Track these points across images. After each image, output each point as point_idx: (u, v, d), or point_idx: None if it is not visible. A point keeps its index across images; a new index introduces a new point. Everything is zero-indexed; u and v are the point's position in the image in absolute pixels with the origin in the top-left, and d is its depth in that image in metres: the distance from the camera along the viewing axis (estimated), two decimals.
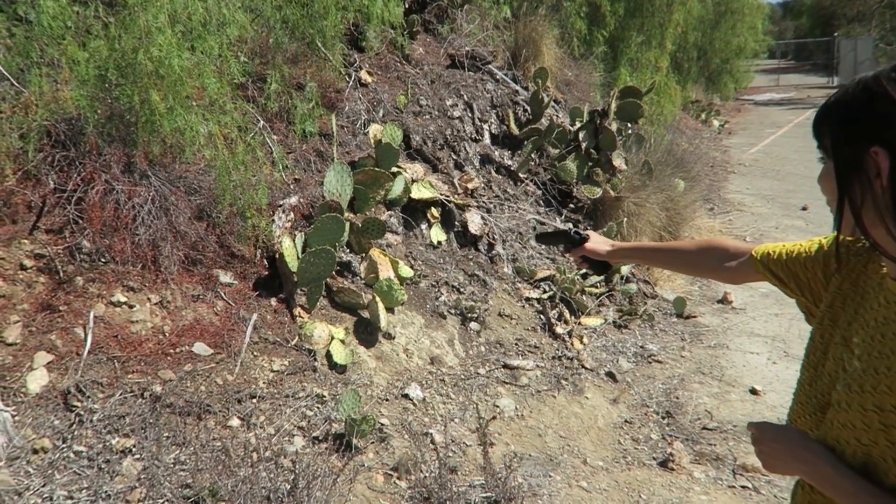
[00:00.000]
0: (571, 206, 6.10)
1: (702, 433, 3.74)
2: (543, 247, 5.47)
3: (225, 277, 3.43)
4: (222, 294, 3.35)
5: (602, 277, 5.27)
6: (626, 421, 3.85)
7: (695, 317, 5.52)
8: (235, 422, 2.82)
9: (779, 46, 32.25)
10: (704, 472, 3.34)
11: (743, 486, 3.21)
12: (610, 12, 8.79)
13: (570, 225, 5.66)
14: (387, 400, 3.31)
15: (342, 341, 3.47)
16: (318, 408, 3.05)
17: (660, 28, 9.97)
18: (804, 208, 8.71)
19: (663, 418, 3.90)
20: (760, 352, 4.88)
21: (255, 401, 2.94)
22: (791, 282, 1.25)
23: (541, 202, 5.91)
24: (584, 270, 5.28)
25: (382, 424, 3.08)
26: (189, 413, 2.74)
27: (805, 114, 19.01)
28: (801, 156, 12.77)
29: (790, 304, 5.75)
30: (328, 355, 3.37)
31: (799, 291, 1.24)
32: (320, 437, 2.90)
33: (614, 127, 6.01)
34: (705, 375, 4.52)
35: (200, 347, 3.06)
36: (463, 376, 3.72)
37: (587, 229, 1.79)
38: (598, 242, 1.72)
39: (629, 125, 6.64)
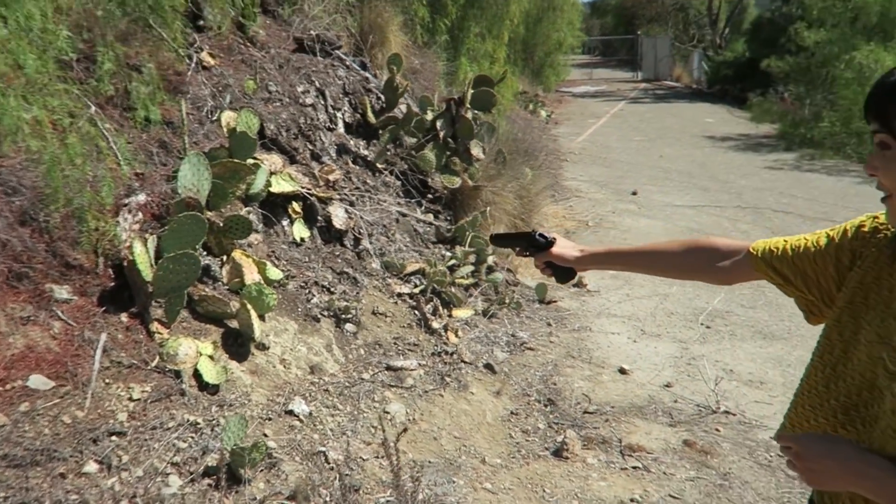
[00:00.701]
0: (430, 196, 6.00)
1: (585, 418, 3.80)
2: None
3: (60, 293, 2.87)
4: (59, 313, 2.80)
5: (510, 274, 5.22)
6: (511, 413, 3.81)
7: (555, 302, 5.67)
8: (92, 466, 2.35)
9: (590, 42, 34.73)
10: (596, 456, 3.39)
11: (634, 467, 3.29)
12: (451, 1, 8.78)
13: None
14: (269, 419, 2.97)
15: (211, 357, 3.06)
16: (192, 437, 2.65)
17: (497, 20, 10.17)
18: (634, 193, 9.37)
19: (546, 406, 3.92)
20: (620, 332, 5.10)
21: (114, 438, 2.48)
22: (798, 279, 1.18)
23: (401, 193, 5.74)
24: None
25: (270, 448, 2.74)
26: (33, 463, 2.23)
27: (618, 105, 20.62)
28: (623, 144, 13.80)
29: (637, 286, 6.12)
30: (196, 375, 2.95)
31: (805, 289, 1.17)
32: (200, 473, 2.51)
33: (470, 115, 5.99)
34: (575, 359, 4.63)
35: (38, 380, 2.52)
36: (347, 384, 3.46)
37: (535, 231, 1.61)
38: (565, 247, 1.57)
39: (480, 114, 6.65)
